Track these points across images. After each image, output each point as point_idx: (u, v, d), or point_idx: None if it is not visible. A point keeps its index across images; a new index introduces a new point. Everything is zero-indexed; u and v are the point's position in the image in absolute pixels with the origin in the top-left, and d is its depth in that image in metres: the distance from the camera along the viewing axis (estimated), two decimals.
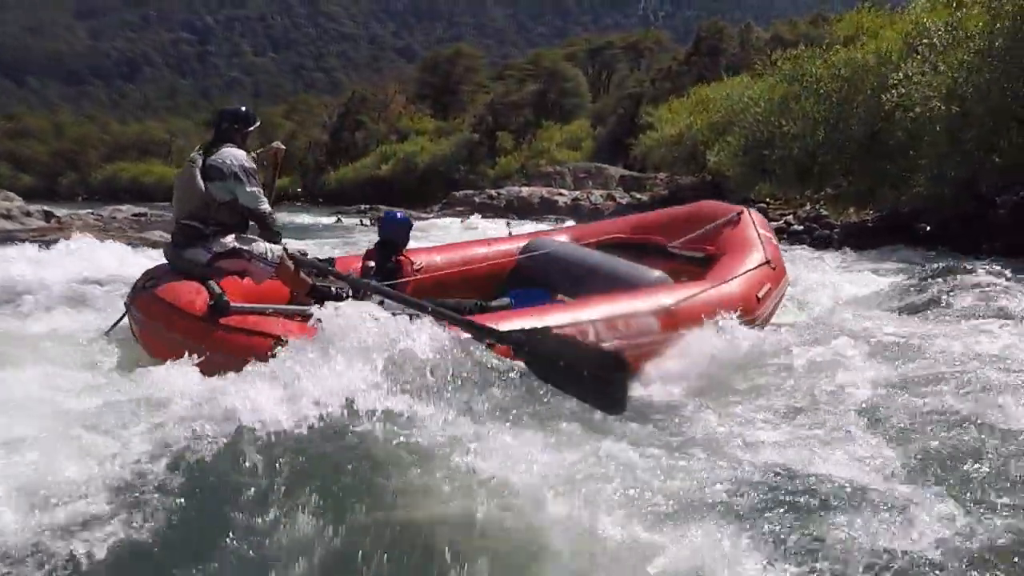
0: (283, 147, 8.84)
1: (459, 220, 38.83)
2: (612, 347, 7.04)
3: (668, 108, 44.71)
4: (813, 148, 27.49)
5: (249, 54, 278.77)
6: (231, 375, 5.70)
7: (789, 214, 32.73)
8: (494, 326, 6.65)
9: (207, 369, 6.15)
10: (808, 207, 31.56)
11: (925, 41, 23.73)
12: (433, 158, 74.32)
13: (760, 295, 8.73)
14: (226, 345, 6.48)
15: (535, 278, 9.73)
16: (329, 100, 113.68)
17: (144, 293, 7.32)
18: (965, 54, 21.37)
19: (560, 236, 11.17)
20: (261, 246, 7.64)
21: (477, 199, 49.29)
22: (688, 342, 7.63)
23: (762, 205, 34.21)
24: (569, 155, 61.90)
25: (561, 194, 47.46)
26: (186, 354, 6.34)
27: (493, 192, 50.83)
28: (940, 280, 12.33)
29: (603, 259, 9.47)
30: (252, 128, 7.93)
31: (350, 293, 7.69)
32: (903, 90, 23.19)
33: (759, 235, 9.75)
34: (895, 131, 24.09)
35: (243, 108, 8.14)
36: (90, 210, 38.31)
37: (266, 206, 7.66)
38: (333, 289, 7.81)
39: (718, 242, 9.76)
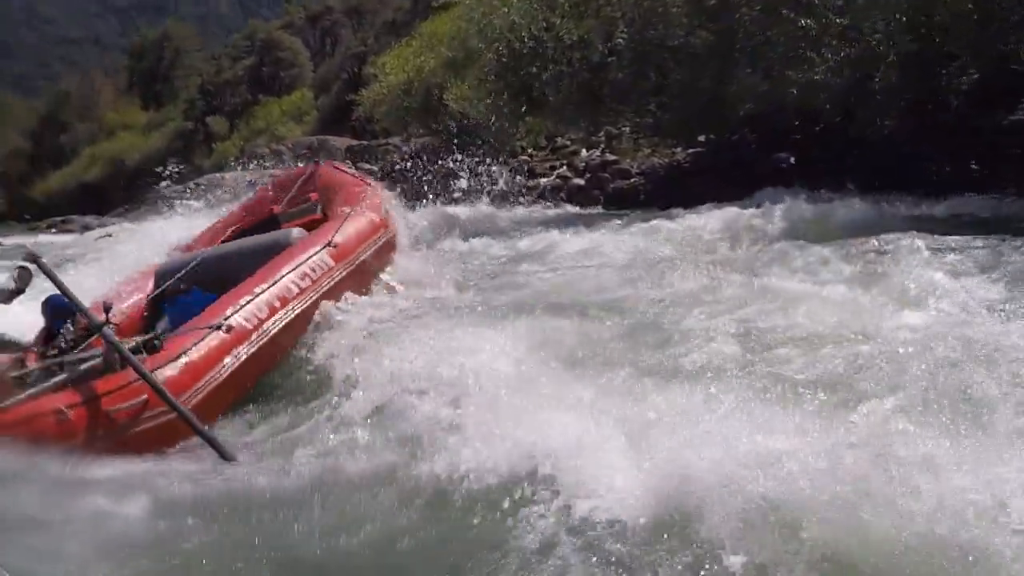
0: None
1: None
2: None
3: (393, 55, 34.29)
4: (602, 60, 17.33)
5: None
6: None
7: (562, 165, 23.47)
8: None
9: None
10: (586, 152, 22.31)
11: None
12: (145, 154, 64.83)
13: (387, 210, 9.49)
14: None
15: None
16: (32, 103, 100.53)
17: None
18: None
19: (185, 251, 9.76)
20: None
21: (167, 194, 39.18)
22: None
23: (524, 159, 25.01)
24: (294, 130, 53.01)
25: (273, 176, 37.55)
26: None
27: (192, 184, 41.67)
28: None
29: (241, 244, 8.86)
30: None
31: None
32: None
33: (348, 172, 10.25)
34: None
35: None
36: None
37: None
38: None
39: (318, 189, 9.82)
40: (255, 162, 44.47)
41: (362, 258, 8.48)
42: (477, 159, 22.65)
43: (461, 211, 19.67)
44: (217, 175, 43.61)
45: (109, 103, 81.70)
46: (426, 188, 27.78)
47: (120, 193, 57.28)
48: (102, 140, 74.26)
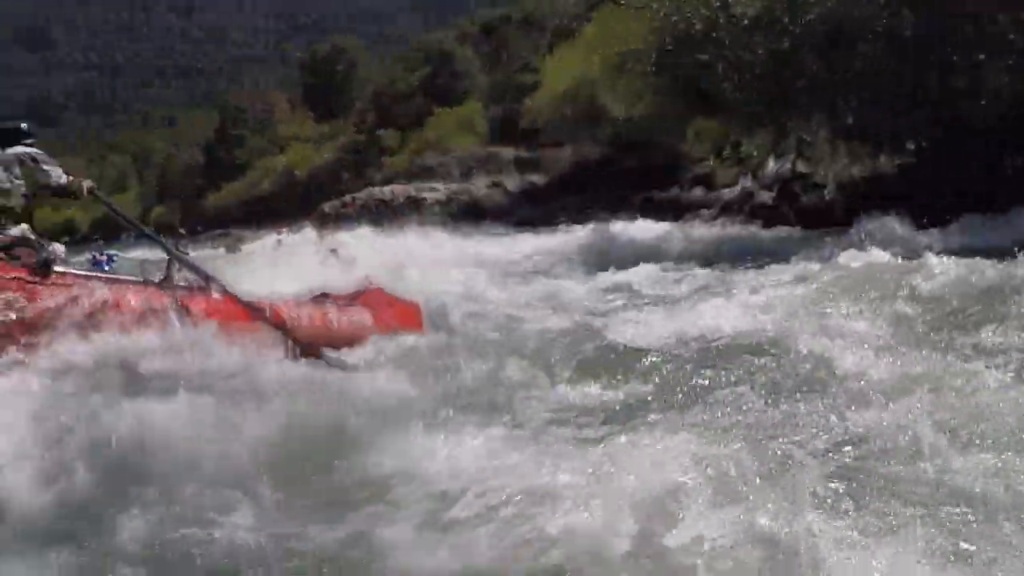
0: (92, 185, 8.41)
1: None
2: None
3: (556, 58, 32.05)
4: (790, 45, 14.35)
5: (157, 86, 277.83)
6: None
7: (745, 176, 20.93)
8: None
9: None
10: (773, 162, 19.71)
11: None
12: (317, 167, 65.60)
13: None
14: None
15: None
16: (210, 115, 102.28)
17: None
18: None
19: None
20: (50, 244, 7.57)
21: (327, 209, 43.46)
22: None
23: (704, 169, 22.59)
24: (465, 142, 51.63)
25: (434, 189, 40.70)
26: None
27: (348, 198, 44.90)
28: None
29: None
30: (31, 141, 7.96)
31: None
32: None
33: (392, 295, 10.32)
34: None
35: (23, 124, 8.30)
36: None
37: (64, 175, 7.90)
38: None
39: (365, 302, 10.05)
40: (424, 176, 44.47)
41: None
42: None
43: (626, 230, 17.65)
44: (376, 189, 43.08)
45: (283, 117, 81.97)
46: (593, 203, 25.56)
47: (289, 206, 56.28)
48: (274, 153, 74.62)
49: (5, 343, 6.44)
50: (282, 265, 22.65)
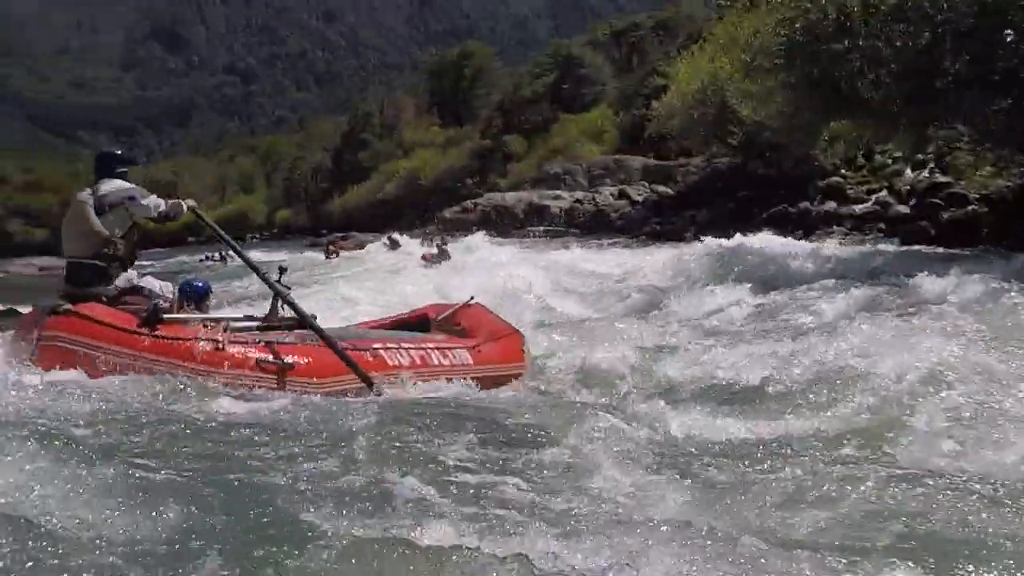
0: (193, 204, 8.50)
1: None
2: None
3: (686, 60, 30.86)
4: (932, 40, 12.98)
5: (292, 90, 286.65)
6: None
7: (880, 189, 19.76)
8: None
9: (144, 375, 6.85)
10: (911, 173, 18.48)
11: None
12: (441, 172, 65.82)
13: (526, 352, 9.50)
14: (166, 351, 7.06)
15: None
16: (339, 120, 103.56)
17: (63, 315, 7.25)
18: None
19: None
20: (154, 282, 8.29)
21: (447, 215, 43.80)
22: None
23: (836, 180, 21.44)
24: (592, 149, 50.88)
25: (558, 197, 39.60)
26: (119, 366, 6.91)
27: (469, 203, 44.43)
28: None
29: (392, 333, 9.60)
30: (127, 168, 8.23)
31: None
32: None
33: (493, 314, 10.37)
34: None
35: (120, 151, 8.62)
36: None
37: (161, 203, 8.05)
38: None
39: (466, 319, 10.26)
40: (549, 183, 43.87)
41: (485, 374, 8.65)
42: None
43: (752, 246, 16.71)
44: (497, 195, 42.72)
45: (409, 122, 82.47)
46: (721, 216, 24.56)
47: (412, 210, 57.99)
48: (400, 158, 75.05)
49: (110, 389, 6.45)
50: (388, 271, 22.38)
